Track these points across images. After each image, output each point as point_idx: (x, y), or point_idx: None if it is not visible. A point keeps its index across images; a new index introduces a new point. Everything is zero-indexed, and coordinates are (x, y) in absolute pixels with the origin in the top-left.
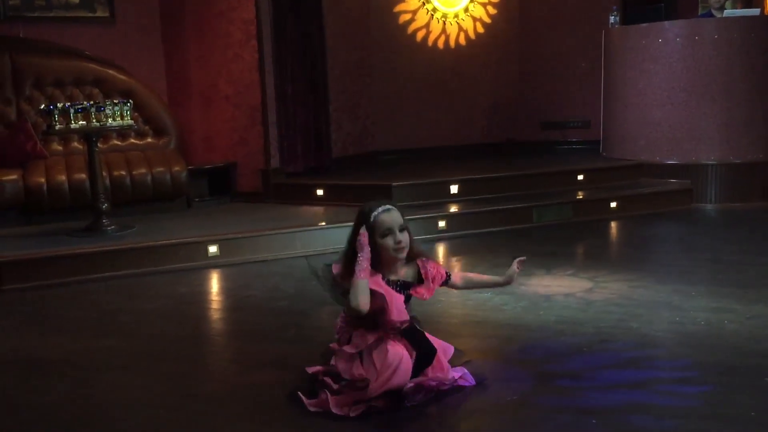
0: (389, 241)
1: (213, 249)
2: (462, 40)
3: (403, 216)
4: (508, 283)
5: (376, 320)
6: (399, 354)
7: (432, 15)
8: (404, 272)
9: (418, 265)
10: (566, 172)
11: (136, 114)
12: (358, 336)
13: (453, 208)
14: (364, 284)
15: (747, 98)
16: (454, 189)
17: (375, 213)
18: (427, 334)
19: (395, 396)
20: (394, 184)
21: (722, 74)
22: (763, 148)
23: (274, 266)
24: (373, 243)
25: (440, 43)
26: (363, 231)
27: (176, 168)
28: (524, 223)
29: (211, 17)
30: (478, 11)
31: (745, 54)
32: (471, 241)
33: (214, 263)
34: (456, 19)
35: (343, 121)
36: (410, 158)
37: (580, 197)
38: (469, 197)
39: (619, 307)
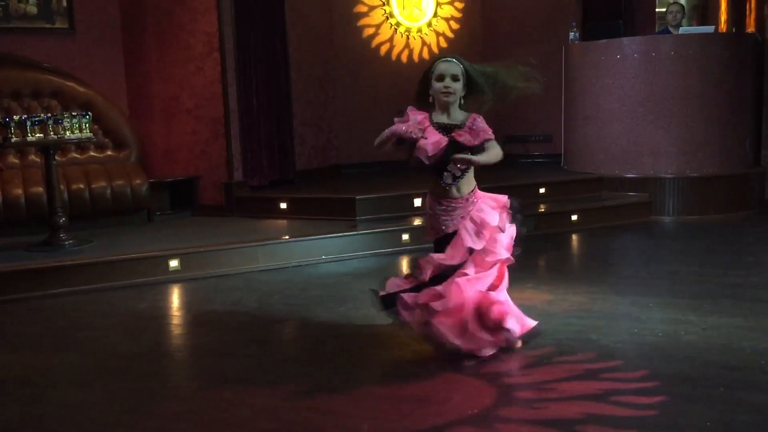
0: (438, 85)
1: (174, 263)
2: (426, 54)
3: (465, 68)
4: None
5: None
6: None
7: (395, 29)
8: (454, 116)
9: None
10: (528, 186)
11: (95, 126)
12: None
13: (417, 222)
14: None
15: (702, 113)
16: (417, 202)
17: (437, 61)
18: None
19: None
20: (358, 197)
21: (678, 90)
22: (717, 162)
23: (236, 280)
24: (430, 84)
25: (404, 57)
26: (410, 109)
27: (137, 181)
28: None
29: (172, 30)
30: (441, 26)
31: (700, 70)
32: None
33: (175, 278)
34: (419, 33)
35: (307, 135)
36: (374, 171)
37: (542, 210)
38: None
39: (579, 319)
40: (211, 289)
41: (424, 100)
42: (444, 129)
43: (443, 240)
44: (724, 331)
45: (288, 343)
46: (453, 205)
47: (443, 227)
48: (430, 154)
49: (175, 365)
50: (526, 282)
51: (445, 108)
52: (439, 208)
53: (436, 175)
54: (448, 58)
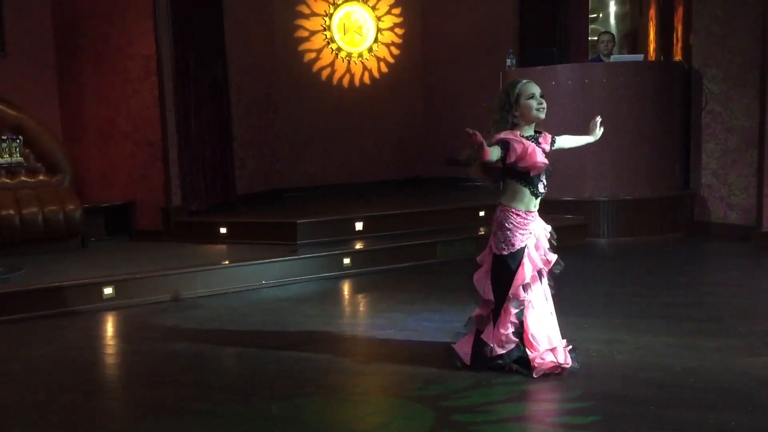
0: (533, 102)
1: (108, 290)
2: (367, 79)
3: None
4: (596, 138)
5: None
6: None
7: (336, 54)
8: (532, 131)
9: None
10: (468, 209)
11: (27, 150)
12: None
13: (358, 245)
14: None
15: (633, 138)
16: (359, 226)
17: (521, 83)
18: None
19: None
20: (299, 221)
21: (611, 115)
22: (649, 185)
23: (173, 307)
24: (516, 105)
25: (345, 82)
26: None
27: (70, 206)
28: (428, 258)
29: (109, 52)
30: (382, 51)
31: (631, 96)
32: (376, 277)
33: (109, 305)
34: (360, 58)
35: (247, 158)
36: (317, 195)
37: (482, 233)
38: (374, 234)
39: None
40: (148, 316)
41: (506, 122)
42: (534, 140)
43: (514, 255)
44: (656, 350)
45: (226, 370)
46: (532, 217)
47: (520, 242)
48: (546, 162)
49: (108, 396)
50: (466, 304)
51: (530, 123)
52: (521, 221)
53: (530, 186)
54: (526, 80)
